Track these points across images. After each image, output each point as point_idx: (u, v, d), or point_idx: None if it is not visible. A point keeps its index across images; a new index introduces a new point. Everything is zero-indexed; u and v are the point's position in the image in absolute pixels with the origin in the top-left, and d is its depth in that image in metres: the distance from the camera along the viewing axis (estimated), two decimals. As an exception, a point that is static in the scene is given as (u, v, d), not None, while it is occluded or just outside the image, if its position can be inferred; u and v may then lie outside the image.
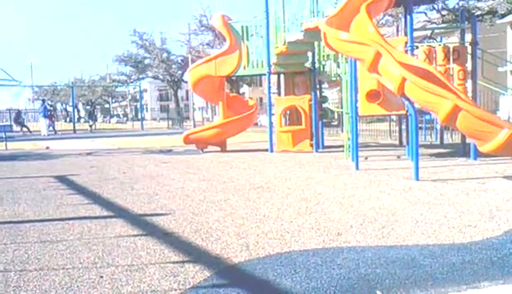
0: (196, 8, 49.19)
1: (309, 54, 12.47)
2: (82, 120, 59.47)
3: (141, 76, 49.28)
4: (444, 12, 21.49)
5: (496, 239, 3.97)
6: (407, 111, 8.36)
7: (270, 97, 12.81)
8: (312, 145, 12.23)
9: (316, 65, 12.62)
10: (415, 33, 9.84)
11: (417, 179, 7.01)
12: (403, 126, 12.32)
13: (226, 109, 13.38)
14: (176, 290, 3.06)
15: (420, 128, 13.06)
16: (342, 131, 12.93)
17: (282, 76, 13.80)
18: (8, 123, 33.42)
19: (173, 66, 45.80)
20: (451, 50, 9.55)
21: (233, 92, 24.08)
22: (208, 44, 39.41)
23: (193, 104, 41.50)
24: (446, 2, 21.60)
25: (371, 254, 3.64)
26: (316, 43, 11.92)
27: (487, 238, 4.02)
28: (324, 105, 13.53)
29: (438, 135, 13.60)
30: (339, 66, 11.85)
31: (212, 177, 8.01)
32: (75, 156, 12.84)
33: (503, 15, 21.04)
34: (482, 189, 6.21)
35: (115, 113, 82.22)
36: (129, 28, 58.77)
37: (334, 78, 13.04)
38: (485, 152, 6.14)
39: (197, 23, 38.76)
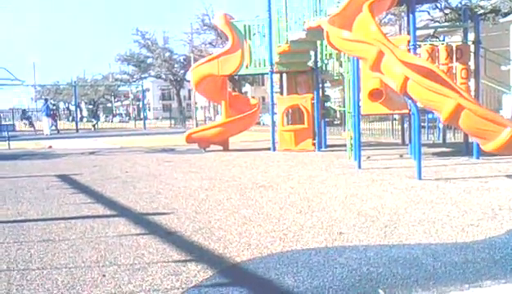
0: (199, 7, 49.23)
1: (312, 53, 12.46)
2: (84, 119, 59.61)
3: (143, 75, 49.36)
4: (447, 11, 21.44)
5: (498, 238, 3.97)
6: (410, 110, 8.35)
7: (272, 96, 12.80)
8: (314, 144, 12.22)
9: (319, 64, 12.61)
10: (418, 32, 9.83)
11: (420, 178, 7.00)
12: (406, 125, 12.29)
13: (229, 108, 13.39)
14: (178, 289, 3.06)
15: (423, 127, 13.02)
16: (344, 130, 12.93)
17: (285, 75, 13.80)
18: (11, 123, 33.50)
19: (176, 65, 45.85)
20: (454, 49, 9.52)
21: (235, 91, 24.10)
22: (210, 43, 39.47)
23: (195, 103, 41.53)
24: (449, 1, 21.57)
25: (373, 253, 3.64)
26: (318, 42, 11.91)
27: (490, 237, 4.02)
28: (326, 104, 13.51)
29: (441, 134, 13.58)
30: (341, 65, 11.83)
31: (214, 176, 8.02)
32: (78, 155, 12.86)
33: (506, 14, 20.98)
34: (485, 188, 6.20)
35: (118, 112, 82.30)
36: (132, 28, 58.83)
37: (336, 77, 13.03)
38: (488, 151, 6.13)
39: (199, 22, 38.82)
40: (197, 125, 31.38)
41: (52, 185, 7.44)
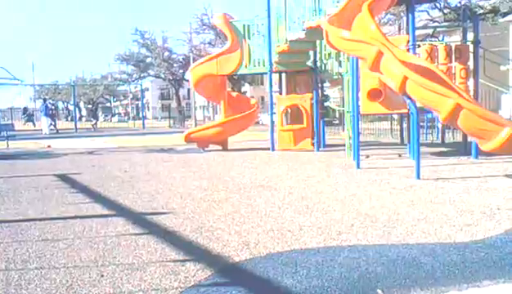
0: (198, 7, 49.20)
1: (311, 52, 12.46)
2: (83, 119, 59.55)
3: (142, 75, 49.26)
4: (446, 11, 21.42)
5: (497, 238, 3.97)
6: (409, 110, 8.35)
7: (271, 96, 12.79)
8: (313, 144, 12.22)
9: (318, 64, 12.61)
10: (417, 32, 9.83)
11: (418, 177, 7.00)
12: (404, 125, 12.30)
13: (228, 107, 13.39)
14: (177, 288, 3.06)
15: (422, 127, 13.05)
16: (343, 129, 12.94)
17: (284, 75, 13.80)
18: (10, 122, 33.46)
19: (175, 65, 45.78)
20: (453, 48, 9.53)
21: (235, 91, 24.09)
22: (209, 43, 39.41)
23: (194, 102, 41.48)
24: (449, 1, 21.55)
25: (372, 253, 3.64)
26: (317, 42, 11.91)
27: (488, 236, 4.02)
28: (325, 104, 13.51)
29: (440, 134, 13.59)
30: (340, 65, 11.83)
31: (213, 176, 8.02)
32: (77, 155, 12.85)
33: (505, 14, 20.96)
34: (484, 187, 6.20)
35: (117, 111, 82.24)
36: (131, 27, 58.76)
37: (335, 77, 13.02)
38: (486, 150, 6.14)
39: (198, 22, 38.77)
40: (196, 125, 31.32)
41: (51, 185, 7.44)
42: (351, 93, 9.18)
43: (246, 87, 52.34)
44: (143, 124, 36.02)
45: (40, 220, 5.05)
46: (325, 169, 8.51)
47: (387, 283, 3.04)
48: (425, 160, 8.67)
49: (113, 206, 5.73)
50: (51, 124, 27.65)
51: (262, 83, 51.29)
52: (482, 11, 20.13)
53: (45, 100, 31.39)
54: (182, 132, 14.63)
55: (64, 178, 8.22)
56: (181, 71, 44.58)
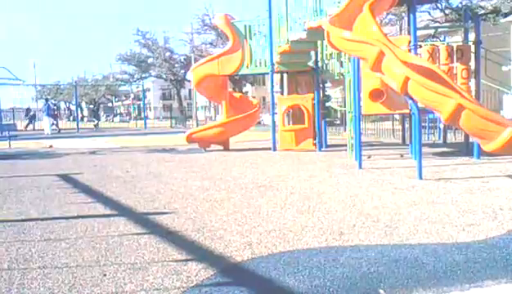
0: (199, 7, 49.23)
1: (312, 53, 12.46)
2: (85, 119, 59.60)
3: (144, 75, 49.37)
4: (447, 11, 21.43)
5: (499, 238, 3.97)
6: (410, 110, 8.34)
7: (273, 96, 12.80)
8: (315, 144, 12.22)
9: (319, 64, 12.61)
10: (419, 32, 9.84)
11: (420, 178, 7.00)
12: (406, 125, 12.30)
13: (229, 107, 13.39)
14: (179, 288, 3.06)
15: (424, 127, 13.03)
16: (345, 130, 12.93)
17: (285, 75, 13.80)
18: (12, 122, 33.50)
19: (176, 65, 45.85)
20: (455, 49, 9.52)
21: (236, 91, 24.10)
22: (211, 43, 39.48)
23: (196, 103, 41.53)
24: (450, 1, 21.55)
25: (374, 253, 3.64)
26: (319, 42, 11.91)
27: (491, 237, 4.02)
28: (327, 104, 13.51)
29: (442, 134, 13.58)
30: (342, 65, 11.83)
31: (215, 176, 8.02)
32: (78, 155, 12.87)
33: (507, 14, 20.97)
34: (486, 188, 6.20)
35: (118, 112, 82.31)
36: (132, 28, 58.84)
37: (337, 77, 13.02)
38: (488, 151, 6.13)
39: (200, 22, 38.82)
40: (198, 125, 31.38)
41: (53, 185, 7.45)
42: (352, 93, 9.18)
43: (248, 88, 52.39)
44: (145, 124, 36.05)
45: (42, 219, 5.06)
46: (326, 169, 8.51)
47: (389, 283, 3.04)
48: (427, 160, 8.67)
49: (115, 206, 5.74)
50: (53, 124, 27.69)
51: (263, 83, 51.32)
52: (483, 12, 20.13)
53: (47, 100, 31.44)
54: (184, 132, 14.65)
55: (66, 178, 8.23)
56: (182, 71, 44.64)
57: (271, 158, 10.82)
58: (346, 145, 10.52)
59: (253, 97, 22.75)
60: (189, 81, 28.41)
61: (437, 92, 6.12)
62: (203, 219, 4.91)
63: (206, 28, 38.66)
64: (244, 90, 45.88)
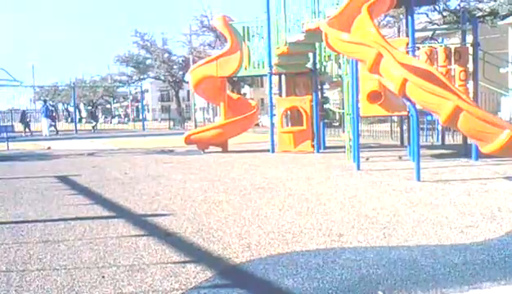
0: (197, 8, 49.19)
1: (310, 55, 12.47)
2: (83, 120, 59.52)
3: (142, 76, 49.28)
4: (445, 13, 21.46)
5: (497, 240, 3.97)
6: (409, 112, 8.36)
7: (271, 98, 12.80)
8: (313, 146, 12.23)
9: (318, 66, 12.63)
10: (417, 34, 9.83)
11: (418, 179, 7.01)
12: (404, 127, 12.31)
13: (228, 109, 13.40)
14: (177, 290, 3.06)
15: (422, 129, 13.05)
16: (343, 131, 12.94)
17: (283, 77, 13.81)
18: (10, 124, 33.44)
19: (175, 67, 45.80)
20: (453, 51, 9.55)
21: (234, 93, 24.08)
22: (209, 45, 39.44)
23: (194, 104, 41.50)
24: (448, 3, 21.59)
25: (373, 254, 3.65)
26: (317, 44, 11.93)
27: (489, 238, 4.02)
28: (325, 106, 13.52)
29: (440, 136, 13.60)
30: (340, 67, 11.85)
31: (213, 178, 8.02)
32: (77, 156, 12.85)
33: (504, 17, 21.00)
34: (484, 189, 6.21)
35: (117, 113, 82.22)
36: (131, 29, 58.84)
37: (335, 79, 13.04)
38: (486, 153, 6.14)
39: (198, 23, 38.80)
40: (196, 126, 31.37)
41: (51, 186, 7.44)
42: (350, 95, 9.18)
43: (246, 89, 52.38)
44: (143, 126, 36.04)
45: (41, 221, 5.05)
46: (325, 171, 8.51)
47: (387, 285, 3.04)
48: (425, 162, 8.68)
49: (113, 207, 5.73)
50: (51, 126, 27.67)
51: (261, 85, 51.33)
52: (481, 14, 20.17)
53: (45, 101, 31.40)
54: (182, 134, 14.64)
55: (64, 179, 8.22)
56: (180, 73, 44.58)
57: (270, 159, 10.82)
58: (344, 147, 10.53)
59: (252, 99, 22.73)
60: (187, 82, 28.39)
61: (435, 94, 6.14)
62: (201, 220, 4.91)
63: (205, 29, 38.62)
64: (243, 91, 45.84)
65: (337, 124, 20.89)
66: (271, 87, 12.84)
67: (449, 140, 13.88)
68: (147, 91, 74.97)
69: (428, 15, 22.55)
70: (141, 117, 42.57)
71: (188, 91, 54.97)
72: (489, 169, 8.04)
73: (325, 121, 13.73)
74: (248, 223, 4.76)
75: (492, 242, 3.90)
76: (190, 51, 39.25)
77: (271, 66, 12.33)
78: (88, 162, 11.34)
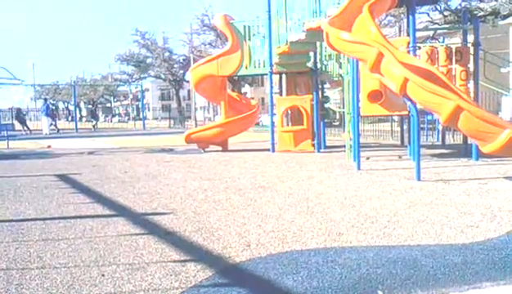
0: (198, 8, 49.22)
1: (311, 54, 12.46)
2: (84, 119, 59.54)
3: (142, 75, 49.29)
4: (446, 13, 21.45)
5: (497, 240, 3.97)
6: (409, 111, 8.35)
7: (272, 97, 12.80)
8: (313, 145, 12.22)
9: (318, 65, 12.62)
10: (418, 34, 9.82)
11: (419, 179, 7.01)
12: (405, 127, 12.30)
13: (228, 108, 13.39)
14: (177, 289, 3.06)
15: (422, 129, 13.04)
16: (343, 131, 12.93)
17: (284, 76, 13.80)
18: (10, 122, 33.44)
19: (175, 66, 45.80)
20: (454, 50, 9.53)
21: (235, 92, 24.09)
22: (210, 44, 39.44)
23: (195, 103, 41.50)
24: (449, 3, 21.57)
25: (373, 254, 3.64)
26: (318, 43, 11.91)
27: (489, 238, 4.02)
28: (326, 105, 13.51)
29: (440, 136, 13.59)
30: (340, 66, 11.84)
31: (213, 177, 8.02)
32: (77, 155, 12.86)
33: (505, 16, 20.98)
34: (484, 189, 6.21)
35: (117, 112, 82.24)
36: (131, 28, 58.80)
37: (336, 78, 13.04)
38: (487, 152, 6.13)
39: (199, 22, 38.80)
40: (196, 125, 31.36)
41: (51, 185, 7.44)
42: (351, 94, 9.18)
43: (246, 88, 52.37)
44: (143, 125, 36.03)
45: (41, 220, 5.05)
46: (325, 170, 8.51)
47: (387, 284, 3.04)
48: (426, 162, 8.68)
49: (113, 206, 5.73)
50: (51, 124, 27.67)
51: (262, 84, 51.33)
52: (482, 14, 20.15)
53: (46, 99, 31.38)
54: (183, 133, 14.64)
55: (64, 178, 8.22)
56: (181, 72, 44.59)
57: (270, 158, 10.82)
58: (345, 146, 10.52)
59: (252, 98, 22.75)
60: (188, 81, 28.44)
61: (436, 94, 6.13)
62: (201, 219, 4.91)
63: (205, 28, 38.63)
64: (243, 90, 45.84)
65: (337, 123, 20.90)
66: (271, 86, 12.83)
67: (449, 139, 13.88)
68: (148, 89, 75.01)
69: (429, 15, 22.55)
70: (141, 116, 42.56)
71: (189, 90, 54.97)
72: (489, 169, 8.03)
73: (326, 120, 13.72)
74: (248, 222, 4.76)
75: (492, 242, 3.90)
76: (190, 49, 39.25)
77: (271, 65, 12.33)
78: (88, 160, 11.34)
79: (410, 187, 6.49)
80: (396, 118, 15.95)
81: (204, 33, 39.30)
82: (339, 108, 15.42)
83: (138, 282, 3.18)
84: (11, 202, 6.05)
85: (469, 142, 9.51)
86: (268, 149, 12.31)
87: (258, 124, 22.13)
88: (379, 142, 15.51)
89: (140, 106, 54.94)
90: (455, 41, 14.13)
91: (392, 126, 17.19)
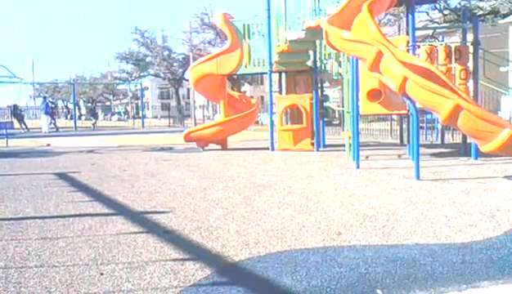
0: (198, 6, 49.21)
1: (311, 52, 12.46)
2: (83, 118, 59.51)
3: (142, 74, 49.31)
4: (446, 12, 21.45)
5: (496, 239, 3.97)
6: (408, 110, 8.35)
7: (271, 96, 12.79)
8: (313, 144, 12.22)
9: (318, 64, 12.61)
10: (417, 33, 9.82)
11: (418, 178, 7.01)
12: (404, 126, 12.31)
13: (227, 107, 13.39)
14: (176, 287, 3.06)
15: (421, 128, 13.06)
16: (343, 130, 12.93)
17: (283, 74, 13.78)
18: (9, 120, 33.42)
19: (175, 64, 45.81)
20: (453, 49, 9.53)
21: (234, 91, 24.08)
22: (209, 42, 39.43)
23: (194, 102, 41.50)
24: (448, 2, 21.59)
25: (372, 253, 3.65)
26: (317, 42, 11.91)
27: (488, 237, 4.02)
28: (325, 104, 13.51)
29: (439, 135, 13.60)
30: (340, 65, 11.83)
31: (212, 175, 8.02)
32: (76, 153, 12.84)
33: (505, 15, 21.00)
34: (483, 188, 6.21)
35: (116, 110, 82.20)
36: (131, 26, 58.80)
37: (335, 77, 13.03)
38: (486, 152, 6.14)
39: (199, 21, 38.79)
40: (196, 124, 31.35)
41: (50, 183, 7.43)
42: (350, 93, 9.18)
43: (246, 87, 52.34)
44: (143, 123, 36.01)
45: (39, 218, 5.05)
46: (324, 169, 8.51)
47: (386, 283, 3.04)
48: (425, 161, 8.68)
49: (112, 204, 5.73)
50: (51, 122, 27.65)
51: (261, 83, 51.30)
52: (481, 13, 20.16)
53: (45, 98, 31.38)
54: (182, 131, 14.63)
55: (63, 176, 8.22)
56: (180, 70, 44.61)
57: (269, 157, 10.81)
58: (344, 145, 10.53)
59: (251, 97, 22.76)
60: (187, 80, 28.38)
61: (435, 93, 6.13)
62: (200, 218, 4.91)
63: (205, 27, 38.62)
64: (243, 89, 45.83)
65: (337, 122, 20.90)
66: (271, 85, 12.83)
67: (448, 138, 13.88)
68: (147, 88, 74.95)
69: (428, 14, 22.55)
70: (140, 114, 42.54)
71: (188, 89, 54.97)
72: (488, 168, 8.04)
73: (325, 119, 13.72)
74: (247, 221, 4.76)
75: (491, 242, 3.90)
76: (190, 48, 39.22)
77: (271, 64, 12.32)
78: (88, 159, 11.33)
79: (410, 186, 6.49)
80: (395, 117, 15.94)
81: (204, 31, 39.31)
82: (339, 107, 15.42)
83: (137, 280, 3.18)
84: (10, 201, 6.04)
85: (468, 141, 9.51)
86: (267, 148, 12.30)
87: (257, 123, 22.14)
88: (379, 141, 15.51)
89: (139, 105, 54.90)
90: (455, 40, 14.13)
91: (391, 125, 17.19)
